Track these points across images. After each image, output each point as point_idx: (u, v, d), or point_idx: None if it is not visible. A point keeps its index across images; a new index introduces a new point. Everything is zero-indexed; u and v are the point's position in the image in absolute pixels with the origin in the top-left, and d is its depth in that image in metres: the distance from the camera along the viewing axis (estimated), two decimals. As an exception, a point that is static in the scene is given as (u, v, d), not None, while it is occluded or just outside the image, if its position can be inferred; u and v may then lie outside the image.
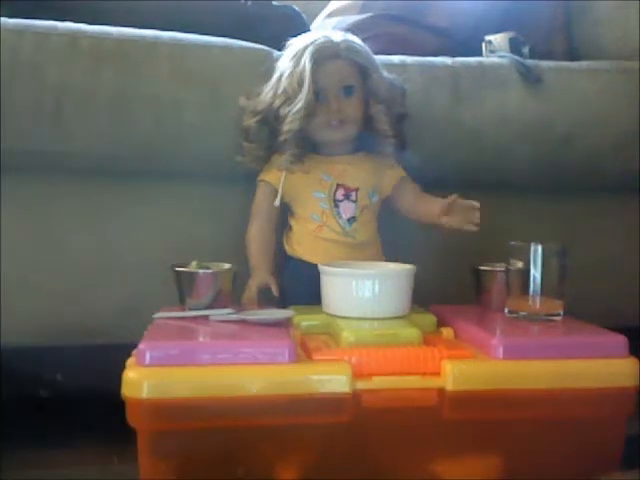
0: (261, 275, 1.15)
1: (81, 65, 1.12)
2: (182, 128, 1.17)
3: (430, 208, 1.17)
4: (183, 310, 1.01)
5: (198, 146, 1.19)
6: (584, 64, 1.36)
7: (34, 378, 1.26)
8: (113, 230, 1.21)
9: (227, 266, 1.05)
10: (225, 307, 0.99)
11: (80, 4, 1.23)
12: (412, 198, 1.22)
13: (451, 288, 1.17)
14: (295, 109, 1.12)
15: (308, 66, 1.11)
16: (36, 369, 1.25)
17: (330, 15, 1.47)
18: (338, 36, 1.16)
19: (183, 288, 1.02)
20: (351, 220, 1.18)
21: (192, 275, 1.01)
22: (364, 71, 1.17)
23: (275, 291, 1.14)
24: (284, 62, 1.16)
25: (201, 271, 1.02)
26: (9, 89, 1.09)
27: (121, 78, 1.14)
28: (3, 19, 1.11)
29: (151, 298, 1.06)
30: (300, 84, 1.11)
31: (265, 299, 1.13)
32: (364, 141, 1.21)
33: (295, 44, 1.17)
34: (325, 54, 1.13)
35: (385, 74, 1.19)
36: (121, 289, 1.21)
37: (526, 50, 1.35)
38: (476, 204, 1.12)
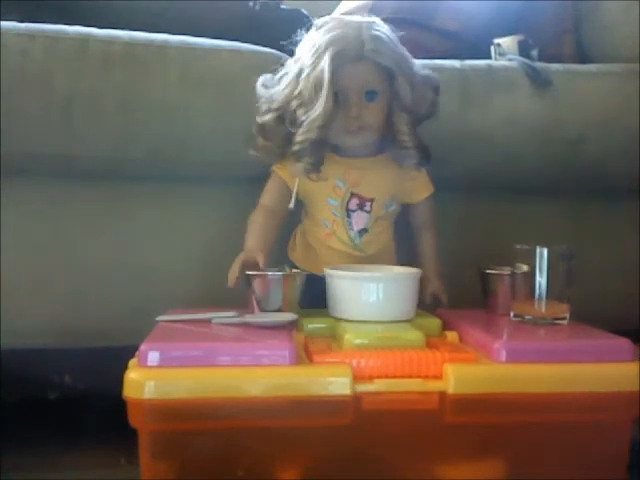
0: (249, 251, 1.08)
1: (90, 69, 1.13)
2: (191, 132, 1.17)
3: (422, 263, 1.17)
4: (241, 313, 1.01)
5: (207, 150, 1.19)
6: (593, 67, 1.36)
7: (39, 381, 1.27)
8: (120, 233, 1.22)
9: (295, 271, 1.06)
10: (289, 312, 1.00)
11: (88, 6, 1.24)
12: (422, 226, 1.21)
13: (458, 291, 1.16)
14: (312, 117, 1.04)
15: (327, 72, 1.02)
16: (41, 372, 1.25)
17: (339, 18, 1.47)
18: (366, 32, 1.06)
19: (255, 291, 1.01)
20: (362, 232, 1.14)
21: (264, 278, 1.01)
22: (390, 73, 1.08)
23: (261, 261, 1.05)
24: (304, 53, 1.08)
25: (271, 274, 1.02)
26: (19, 93, 1.10)
27: (130, 82, 1.14)
28: (12, 23, 1.12)
29: (156, 301, 1.06)
30: (318, 89, 1.03)
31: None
32: (388, 143, 1.15)
33: (319, 30, 1.08)
34: (347, 57, 1.05)
35: (417, 70, 1.12)
36: (126, 292, 1.22)
37: (535, 53, 1.35)
38: (444, 302, 1.16)
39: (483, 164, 1.29)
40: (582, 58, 1.47)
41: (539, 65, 1.30)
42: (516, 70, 1.30)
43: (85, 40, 1.13)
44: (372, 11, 1.42)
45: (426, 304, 1.13)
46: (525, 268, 1.03)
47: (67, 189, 1.20)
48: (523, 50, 1.35)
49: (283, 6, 1.37)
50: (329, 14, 1.50)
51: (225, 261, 1.08)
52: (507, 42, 1.36)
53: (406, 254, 1.22)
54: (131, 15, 1.24)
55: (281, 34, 1.21)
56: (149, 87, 1.15)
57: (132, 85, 1.14)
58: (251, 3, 1.34)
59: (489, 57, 1.38)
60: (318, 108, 1.03)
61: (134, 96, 1.15)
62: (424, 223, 1.21)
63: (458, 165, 1.28)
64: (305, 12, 1.35)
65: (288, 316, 0.97)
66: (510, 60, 1.33)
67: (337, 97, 1.05)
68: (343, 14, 1.48)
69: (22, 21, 1.13)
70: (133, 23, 1.18)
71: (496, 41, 1.38)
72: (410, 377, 0.87)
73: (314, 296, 1.04)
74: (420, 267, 1.09)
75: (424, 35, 1.43)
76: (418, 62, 1.16)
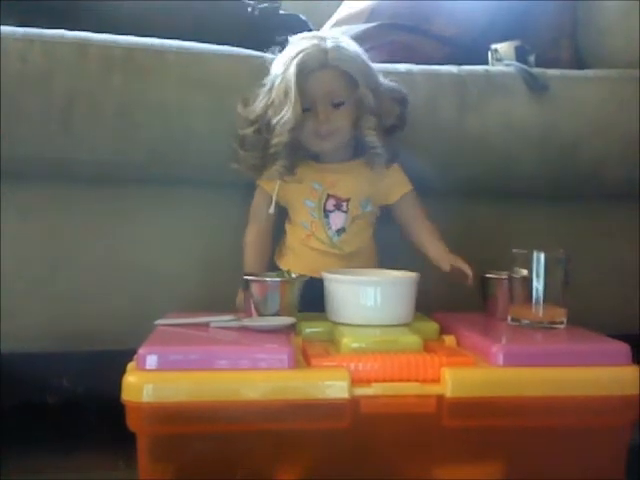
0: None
1: (89, 73, 1.13)
2: (189, 135, 1.18)
3: (428, 248, 1.18)
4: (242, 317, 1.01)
5: (205, 153, 1.20)
6: (590, 72, 1.36)
7: (38, 384, 1.27)
8: (119, 236, 1.22)
9: (294, 275, 1.06)
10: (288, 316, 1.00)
11: (87, 10, 1.25)
12: (411, 219, 1.21)
13: (457, 296, 1.16)
14: (283, 121, 1.10)
15: (293, 79, 1.09)
16: (40, 375, 1.26)
17: (336, 24, 1.47)
18: (330, 43, 1.13)
19: (253, 295, 1.02)
20: (340, 231, 1.17)
21: (262, 283, 1.02)
22: (354, 81, 1.13)
23: None
24: (277, 67, 1.14)
25: (269, 279, 1.02)
26: (18, 97, 1.11)
27: (129, 86, 1.15)
28: (12, 28, 1.12)
29: (155, 304, 1.06)
30: (286, 94, 1.09)
31: None
32: (362, 147, 1.19)
33: (291, 46, 1.15)
34: (312, 65, 1.11)
35: (384, 82, 1.17)
36: (125, 295, 1.22)
37: (532, 58, 1.35)
38: (469, 273, 1.14)
39: (481, 169, 1.29)
40: (580, 63, 1.46)
41: (536, 70, 1.31)
42: (513, 75, 1.31)
43: (84, 45, 1.14)
44: (370, 17, 1.43)
45: (455, 281, 1.15)
46: (524, 272, 1.03)
47: (67, 192, 1.20)
48: (520, 55, 1.35)
49: (282, 11, 1.37)
50: (328, 18, 1.52)
51: (224, 264, 1.08)
52: (504, 47, 1.37)
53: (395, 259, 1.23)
54: (130, 19, 1.24)
55: (279, 39, 1.22)
56: (148, 91, 1.16)
57: (131, 89, 1.15)
58: (250, 8, 1.35)
59: (486, 63, 1.38)
60: (288, 112, 1.09)
61: (133, 100, 1.15)
62: (413, 216, 1.21)
63: (456, 169, 1.28)
64: (303, 18, 1.36)
65: (286, 320, 0.98)
66: (507, 65, 1.34)
67: (306, 105, 1.12)
68: (339, 20, 1.49)
69: (21, 25, 1.13)
70: (132, 27, 1.19)
71: (493, 47, 1.38)
72: (408, 381, 0.87)
73: (312, 300, 1.05)
74: (427, 254, 1.17)
75: (422, 41, 1.43)
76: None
